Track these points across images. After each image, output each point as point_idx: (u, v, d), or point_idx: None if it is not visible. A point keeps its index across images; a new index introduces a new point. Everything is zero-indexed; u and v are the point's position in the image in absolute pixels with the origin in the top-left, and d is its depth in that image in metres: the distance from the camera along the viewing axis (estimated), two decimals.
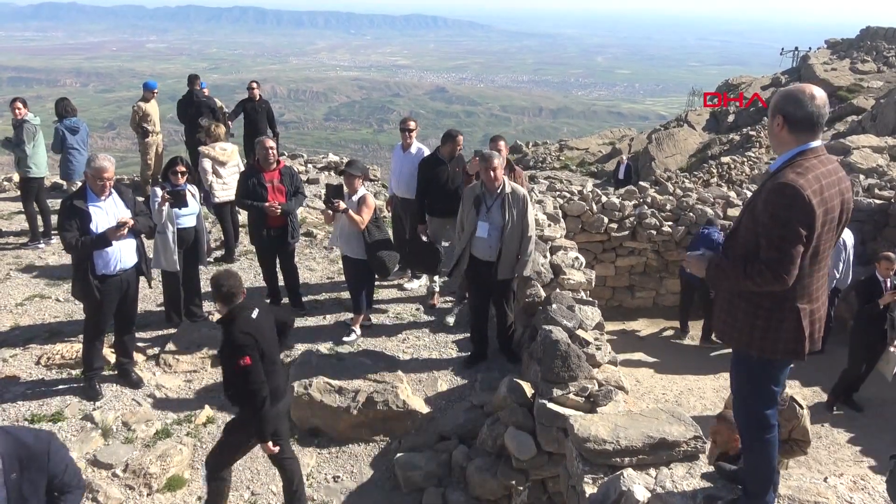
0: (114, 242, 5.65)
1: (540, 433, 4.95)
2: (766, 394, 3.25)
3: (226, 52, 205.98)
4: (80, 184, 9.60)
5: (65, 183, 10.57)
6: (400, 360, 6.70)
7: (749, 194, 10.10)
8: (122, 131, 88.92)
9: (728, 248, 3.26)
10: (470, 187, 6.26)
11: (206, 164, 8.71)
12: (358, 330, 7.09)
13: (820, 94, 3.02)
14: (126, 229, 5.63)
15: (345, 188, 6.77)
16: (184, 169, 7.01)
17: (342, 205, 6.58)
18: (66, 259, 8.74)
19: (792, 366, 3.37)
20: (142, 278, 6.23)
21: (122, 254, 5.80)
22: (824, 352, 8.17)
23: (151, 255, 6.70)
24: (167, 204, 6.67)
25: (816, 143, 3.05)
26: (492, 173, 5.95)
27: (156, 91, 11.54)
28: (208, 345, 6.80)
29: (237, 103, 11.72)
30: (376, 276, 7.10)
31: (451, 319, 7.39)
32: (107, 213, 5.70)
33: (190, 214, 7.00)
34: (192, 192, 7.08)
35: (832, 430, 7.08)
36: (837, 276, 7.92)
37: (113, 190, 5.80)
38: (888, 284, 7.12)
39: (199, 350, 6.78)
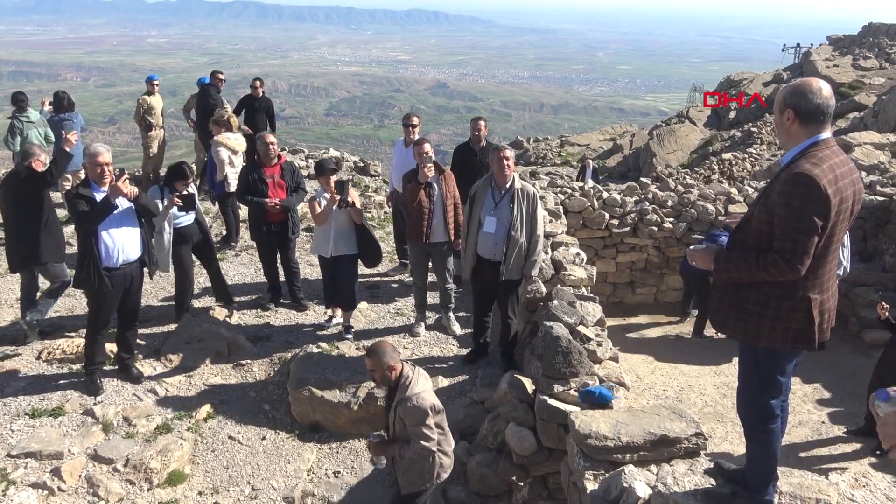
0: (117, 236, 5.64)
1: (540, 429, 4.95)
2: (773, 384, 3.26)
3: (226, 46, 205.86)
4: (69, 176, 9.80)
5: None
6: (400, 355, 6.68)
7: (751, 191, 10.10)
8: (122, 126, 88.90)
9: (737, 240, 3.26)
10: (480, 182, 6.17)
11: (224, 153, 8.63)
12: (352, 324, 7.15)
13: (826, 86, 3.07)
14: (125, 182, 5.52)
15: (332, 184, 6.59)
16: (190, 178, 7.05)
17: (352, 199, 6.55)
18: (70, 255, 8.74)
19: (798, 360, 3.36)
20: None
21: (126, 246, 5.76)
22: (825, 348, 8.22)
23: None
24: (175, 207, 6.67)
25: (826, 135, 3.08)
26: (502, 164, 5.86)
27: (156, 83, 11.54)
28: (209, 340, 6.80)
29: (240, 99, 11.70)
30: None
31: (419, 330, 7.22)
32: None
33: (190, 212, 7.00)
34: (196, 200, 7.11)
35: (832, 427, 7.07)
36: (845, 264, 7.88)
37: None
38: None
39: (199, 345, 6.78)
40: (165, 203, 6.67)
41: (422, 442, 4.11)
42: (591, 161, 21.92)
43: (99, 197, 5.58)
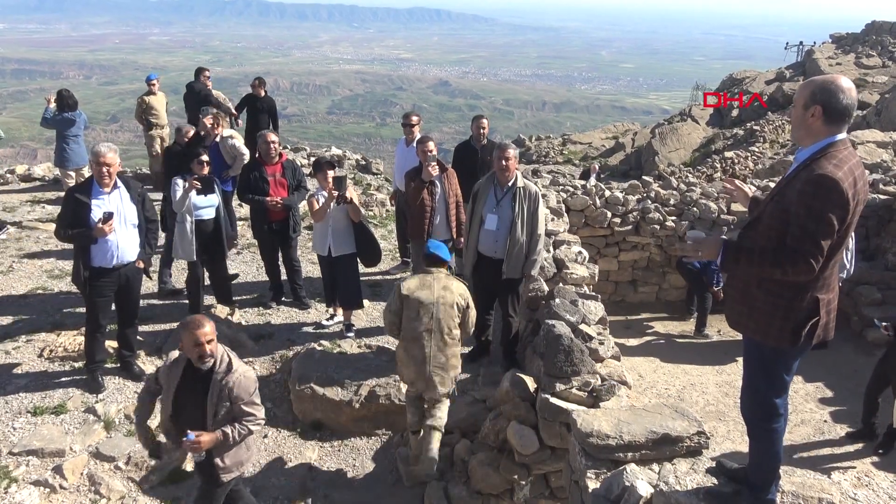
0: (113, 237, 5.62)
1: (542, 428, 4.94)
2: (778, 382, 3.26)
3: (229, 44, 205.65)
4: (72, 174, 9.81)
5: (59, 170, 10.58)
6: None
7: (753, 189, 10.07)
8: (124, 124, 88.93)
9: (746, 238, 3.24)
10: (483, 179, 6.17)
11: (245, 150, 8.52)
12: (353, 323, 7.15)
13: (853, 86, 3.04)
14: (111, 227, 5.52)
15: (330, 179, 6.58)
16: (207, 158, 7.04)
17: (350, 195, 6.53)
18: (69, 250, 8.75)
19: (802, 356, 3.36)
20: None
21: (122, 248, 5.74)
22: (828, 347, 8.20)
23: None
24: (194, 190, 6.65)
25: (844, 135, 3.05)
26: (503, 162, 5.83)
27: (153, 82, 11.45)
28: None
29: (242, 98, 11.71)
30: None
31: None
32: (110, 206, 5.63)
33: (209, 206, 6.92)
34: (216, 183, 7.11)
35: (835, 426, 7.05)
36: (848, 266, 7.85)
37: (120, 183, 5.75)
38: None
39: None
40: (185, 187, 6.68)
41: (256, 413, 4.07)
42: (596, 166, 21.88)
43: (96, 201, 5.57)
